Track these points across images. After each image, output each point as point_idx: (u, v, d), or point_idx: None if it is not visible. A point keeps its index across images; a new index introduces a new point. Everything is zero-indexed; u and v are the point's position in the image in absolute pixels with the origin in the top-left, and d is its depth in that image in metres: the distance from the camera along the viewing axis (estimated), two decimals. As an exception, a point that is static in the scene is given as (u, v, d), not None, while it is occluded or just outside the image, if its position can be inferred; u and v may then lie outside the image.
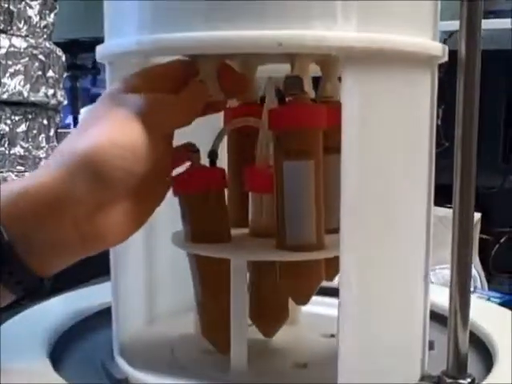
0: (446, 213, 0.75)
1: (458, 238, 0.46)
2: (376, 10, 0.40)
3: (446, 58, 0.46)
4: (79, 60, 1.03)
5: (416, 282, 0.46)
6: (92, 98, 3.85)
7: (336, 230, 0.50)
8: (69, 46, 1.04)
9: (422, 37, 0.43)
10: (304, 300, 0.50)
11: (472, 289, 1.08)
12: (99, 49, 0.47)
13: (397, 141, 0.42)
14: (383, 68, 0.41)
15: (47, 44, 0.83)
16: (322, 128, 0.46)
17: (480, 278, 1.15)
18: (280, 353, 0.51)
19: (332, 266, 0.51)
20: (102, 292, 0.63)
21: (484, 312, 0.51)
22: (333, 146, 0.50)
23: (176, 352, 0.52)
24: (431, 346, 0.51)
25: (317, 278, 0.49)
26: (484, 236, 1.22)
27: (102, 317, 0.58)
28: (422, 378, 0.47)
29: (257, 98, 0.55)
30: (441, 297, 0.50)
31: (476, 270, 1.11)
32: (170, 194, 0.53)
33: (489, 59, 0.48)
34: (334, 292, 0.52)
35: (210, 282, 0.50)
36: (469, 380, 0.46)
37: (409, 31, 0.42)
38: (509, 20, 1.10)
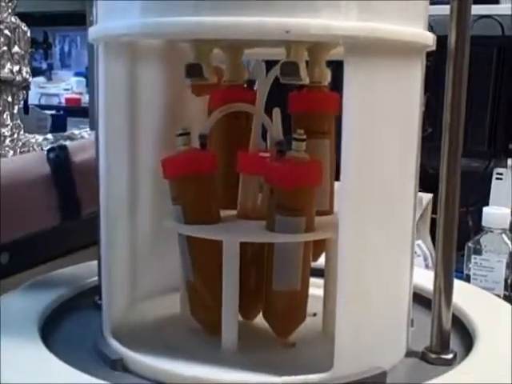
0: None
1: (443, 221, 0.48)
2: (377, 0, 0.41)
3: (434, 47, 0.48)
4: (30, 34, 1.01)
5: (405, 263, 0.48)
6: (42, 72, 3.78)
7: (324, 212, 0.52)
8: (19, 20, 1.00)
9: (417, 27, 0.44)
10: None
11: (424, 266, 1.12)
12: (94, 29, 0.46)
13: (394, 126, 0.44)
14: (383, 56, 0.42)
15: (12, 19, 0.81)
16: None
17: (432, 256, 1.19)
18: (266, 332, 0.52)
19: (317, 247, 0.53)
20: (77, 273, 0.63)
21: (460, 292, 0.53)
22: (322, 131, 0.52)
23: (164, 332, 0.52)
24: (411, 324, 0.53)
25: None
26: (435, 216, 1.25)
27: (81, 297, 0.59)
28: (407, 354, 0.50)
29: (243, 80, 0.55)
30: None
31: (428, 249, 1.15)
32: (153, 175, 0.54)
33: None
34: (314, 272, 0.54)
35: (202, 263, 0.50)
36: (451, 355, 0.48)
37: (406, 21, 0.43)
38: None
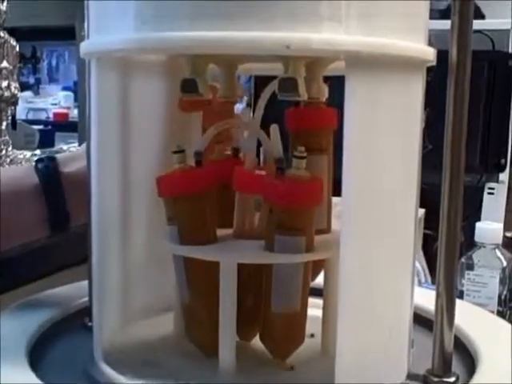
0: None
1: (445, 238, 0.47)
2: (378, 14, 0.40)
3: (434, 62, 0.47)
4: (18, 49, 1.00)
5: (407, 282, 0.47)
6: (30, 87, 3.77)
7: (322, 231, 0.51)
8: (8, 35, 0.99)
9: (419, 42, 0.43)
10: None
11: (417, 282, 1.11)
12: (86, 44, 0.45)
13: (395, 141, 0.43)
14: (384, 71, 0.41)
15: (1, 33, 0.80)
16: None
17: (424, 272, 1.18)
18: (264, 354, 0.50)
19: (315, 267, 0.52)
20: (67, 294, 0.61)
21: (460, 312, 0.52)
22: (320, 148, 0.51)
23: (158, 355, 0.51)
24: (411, 345, 0.51)
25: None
26: (427, 231, 1.24)
27: (71, 319, 0.57)
28: (409, 377, 0.48)
29: (238, 96, 0.54)
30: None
31: (420, 264, 1.14)
32: (146, 191, 0.52)
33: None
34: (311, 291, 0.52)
35: (198, 284, 0.49)
36: (454, 378, 0.47)
37: (407, 36, 0.42)
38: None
